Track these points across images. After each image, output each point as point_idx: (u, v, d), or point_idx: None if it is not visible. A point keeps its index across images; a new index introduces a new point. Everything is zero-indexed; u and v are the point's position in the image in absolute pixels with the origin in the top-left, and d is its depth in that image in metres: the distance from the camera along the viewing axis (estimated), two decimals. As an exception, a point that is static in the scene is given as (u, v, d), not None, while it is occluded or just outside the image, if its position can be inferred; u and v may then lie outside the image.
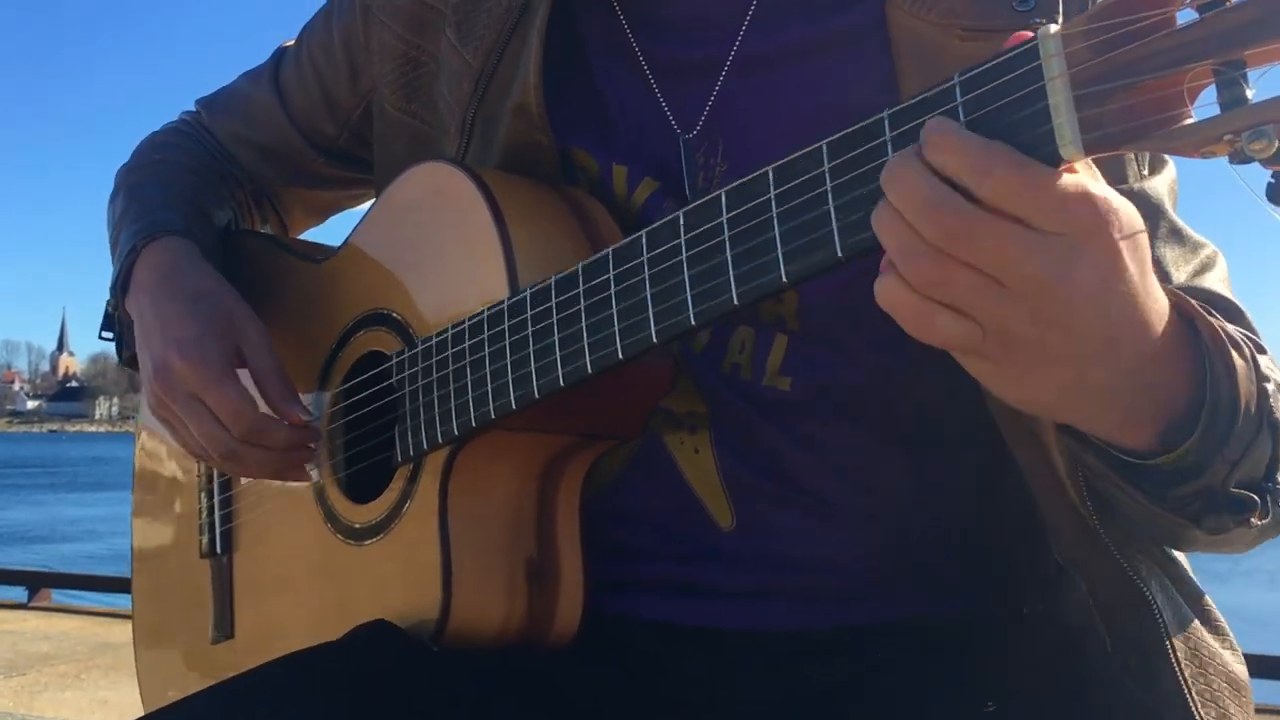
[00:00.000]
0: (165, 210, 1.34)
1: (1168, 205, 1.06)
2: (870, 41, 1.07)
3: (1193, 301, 0.83)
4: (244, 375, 1.21)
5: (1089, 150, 0.66)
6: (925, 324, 0.74)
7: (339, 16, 1.35)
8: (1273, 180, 0.63)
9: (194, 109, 1.51)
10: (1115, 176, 1.02)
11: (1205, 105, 0.63)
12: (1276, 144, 0.61)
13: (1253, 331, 1.01)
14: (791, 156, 0.78)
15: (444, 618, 1.06)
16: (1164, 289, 0.79)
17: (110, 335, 1.35)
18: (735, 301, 0.82)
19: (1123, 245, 0.72)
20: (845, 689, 1.08)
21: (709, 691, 1.11)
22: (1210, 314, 0.84)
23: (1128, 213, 0.72)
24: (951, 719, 1.04)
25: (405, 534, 1.11)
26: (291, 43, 1.43)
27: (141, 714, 1.03)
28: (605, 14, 1.17)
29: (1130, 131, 0.64)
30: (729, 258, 0.82)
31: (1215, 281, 1.04)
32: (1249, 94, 0.62)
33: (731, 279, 0.82)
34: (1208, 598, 1.06)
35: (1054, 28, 0.67)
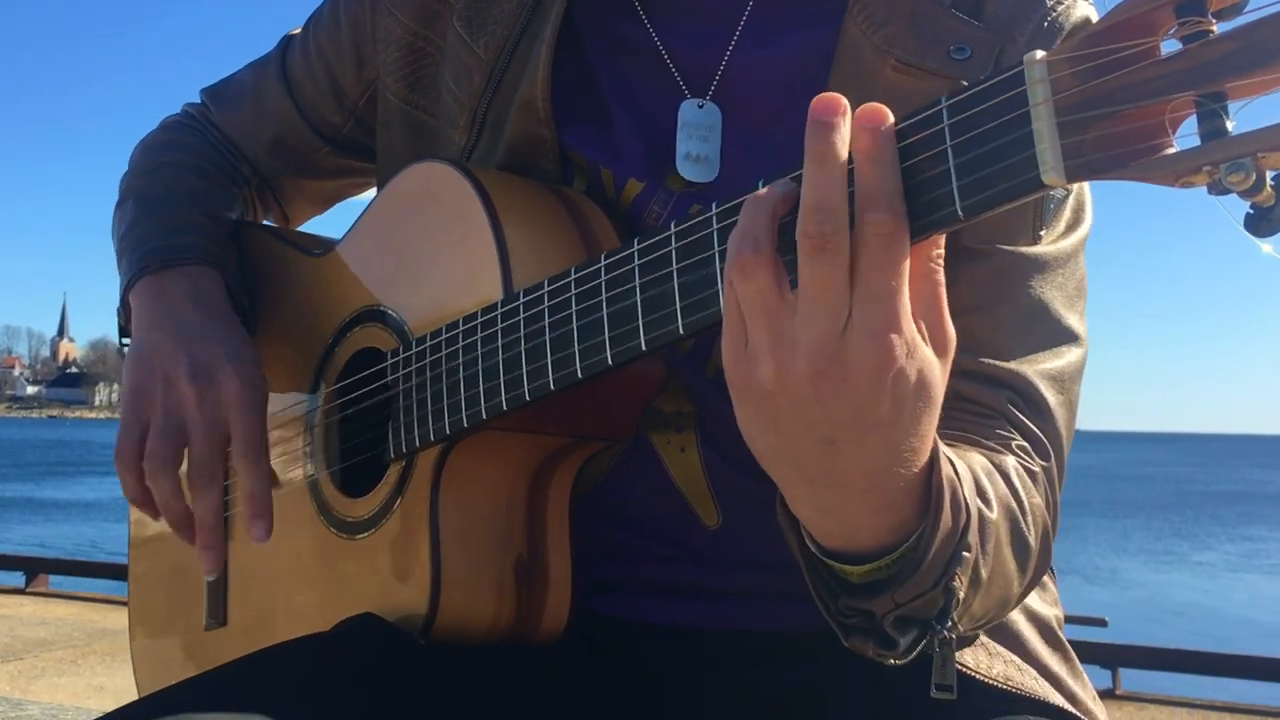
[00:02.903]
0: (177, 234, 1.31)
1: (1048, 277, 1.06)
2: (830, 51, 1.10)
3: (947, 469, 0.82)
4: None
5: (1071, 178, 0.66)
6: (730, 276, 0.75)
7: (346, 5, 1.35)
8: (1251, 211, 0.63)
9: (199, 100, 1.50)
10: (1023, 237, 1.05)
11: (1186, 136, 0.64)
12: (1254, 177, 0.61)
13: (1051, 436, 1.02)
14: (787, 176, 0.79)
15: (432, 614, 1.07)
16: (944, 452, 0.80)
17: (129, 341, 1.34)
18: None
19: (889, 388, 0.72)
20: (831, 690, 1.09)
21: (694, 692, 1.12)
22: (959, 481, 0.83)
23: (924, 375, 0.73)
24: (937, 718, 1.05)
25: (396, 529, 1.12)
26: (298, 31, 1.42)
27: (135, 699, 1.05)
28: (621, 7, 1.18)
29: (1110, 160, 0.65)
30: (718, 270, 0.82)
31: (1039, 374, 1.03)
32: (1229, 126, 0.62)
33: (720, 291, 0.83)
34: None
35: (1039, 54, 0.67)
